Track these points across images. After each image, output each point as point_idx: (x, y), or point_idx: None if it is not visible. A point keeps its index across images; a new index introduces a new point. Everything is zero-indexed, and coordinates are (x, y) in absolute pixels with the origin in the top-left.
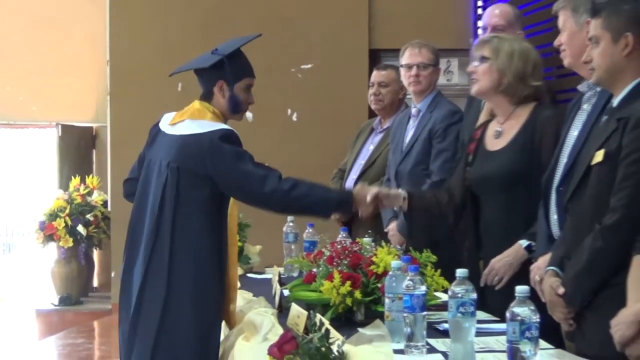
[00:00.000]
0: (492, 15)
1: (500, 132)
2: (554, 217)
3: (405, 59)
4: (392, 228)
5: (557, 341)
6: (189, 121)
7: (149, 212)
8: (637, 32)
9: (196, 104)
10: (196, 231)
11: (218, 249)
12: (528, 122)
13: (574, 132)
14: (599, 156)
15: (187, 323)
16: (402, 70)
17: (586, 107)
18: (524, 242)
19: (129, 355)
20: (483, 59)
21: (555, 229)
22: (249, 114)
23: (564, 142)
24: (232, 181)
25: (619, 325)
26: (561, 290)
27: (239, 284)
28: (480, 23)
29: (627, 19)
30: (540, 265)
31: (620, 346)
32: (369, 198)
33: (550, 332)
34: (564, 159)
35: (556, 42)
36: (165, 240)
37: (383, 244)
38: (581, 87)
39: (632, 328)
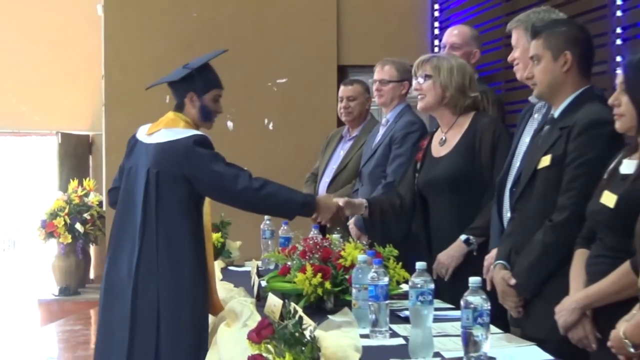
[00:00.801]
0: (451, 34)
1: (445, 140)
2: (507, 214)
3: (374, 74)
4: (351, 222)
5: (503, 326)
6: (164, 130)
7: (133, 216)
8: (575, 51)
9: (170, 115)
10: (178, 229)
11: (198, 244)
12: (469, 129)
13: (525, 139)
14: (546, 161)
15: (182, 315)
16: None
17: (537, 117)
18: (463, 237)
19: (115, 346)
20: (426, 76)
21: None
22: (229, 123)
23: (517, 147)
24: (206, 181)
25: (562, 312)
26: (513, 282)
27: (220, 276)
28: (437, 42)
29: (565, 39)
30: (494, 256)
31: (563, 330)
32: (337, 207)
33: (496, 318)
34: (517, 163)
35: (510, 58)
36: (152, 240)
37: (350, 239)
38: (532, 99)
39: (574, 314)
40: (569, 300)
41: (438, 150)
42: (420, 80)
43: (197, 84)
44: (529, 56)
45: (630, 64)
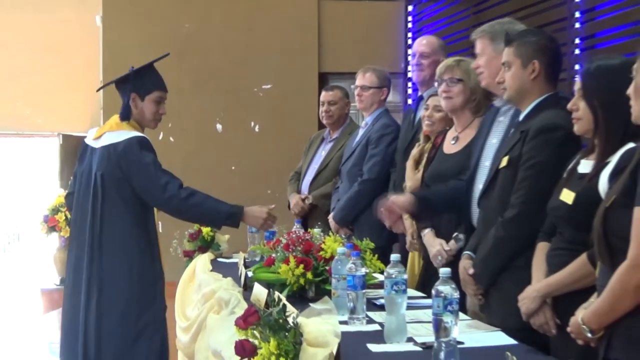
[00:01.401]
0: (420, 44)
1: (457, 138)
2: (475, 211)
3: (356, 81)
4: (330, 217)
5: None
6: (108, 133)
7: (84, 219)
8: (542, 60)
9: (115, 118)
10: (124, 226)
11: (147, 239)
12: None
13: (492, 140)
14: (504, 161)
15: (124, 300)
16: None
17: (502, 119)
18: (455, 234)
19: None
20: (458, 80)
21: (475, 221)
22: (219, 126)
23: (483, 148)
24: (138, 183)
25: (525, 300)
26: (471, 271)
27: (210, 267)
28: (410, 51)
29: (535, 48)
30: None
31: (526, 317)
32: (266, 215)
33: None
34: (485, 163)
35: (474, 65)
36: (100, 236)
37: (330, 233)
38: (497, 103)
39: (536, 302)
40: (531, 289)
41: (450, 147)
42: (450, 83)
43: (138, 86)
44: (501, 62)
45: (587, 72)
